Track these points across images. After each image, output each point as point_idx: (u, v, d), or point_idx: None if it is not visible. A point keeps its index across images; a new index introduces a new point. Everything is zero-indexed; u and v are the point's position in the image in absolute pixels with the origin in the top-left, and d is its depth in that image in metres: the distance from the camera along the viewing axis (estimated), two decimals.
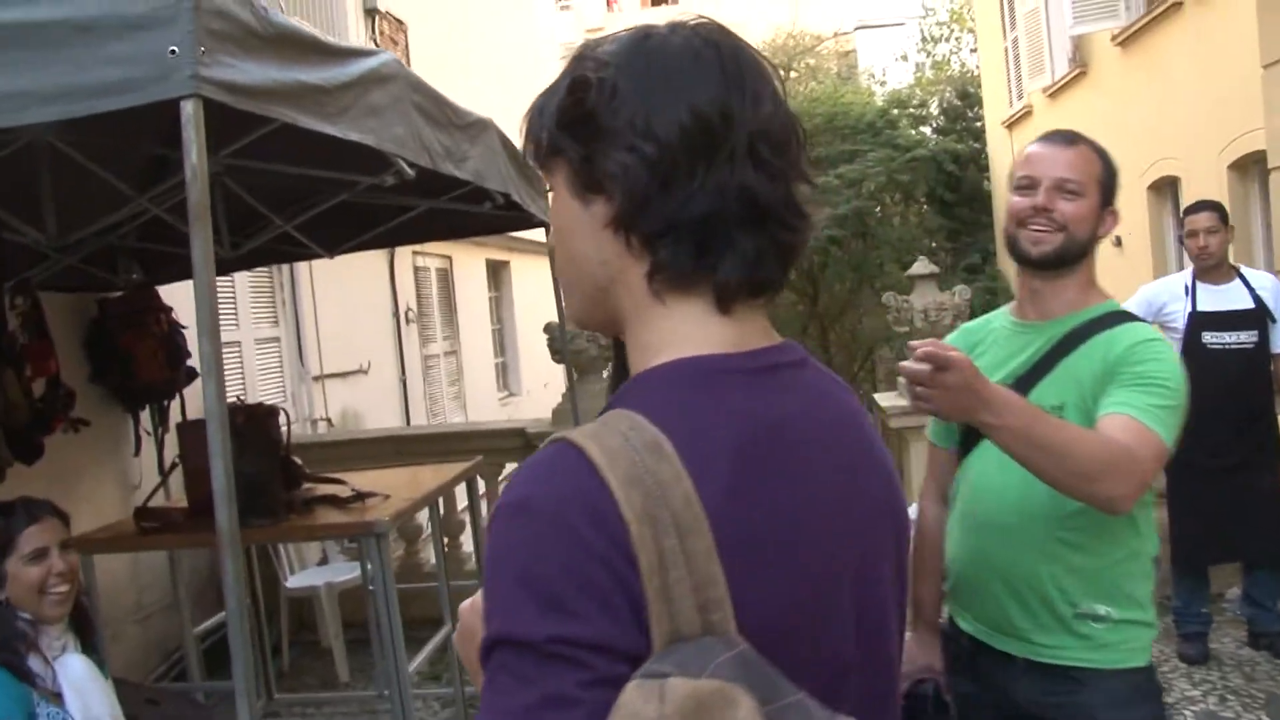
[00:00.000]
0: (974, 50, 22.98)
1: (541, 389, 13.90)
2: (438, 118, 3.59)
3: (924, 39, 23.31)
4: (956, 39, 23.19)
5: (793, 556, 0.91)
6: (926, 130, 20.72)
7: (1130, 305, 5.12)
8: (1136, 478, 1.86)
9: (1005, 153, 17.36)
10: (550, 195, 1.05)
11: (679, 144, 0.93)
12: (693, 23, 1.01)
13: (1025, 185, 2.16)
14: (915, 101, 21.12)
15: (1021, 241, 2.16)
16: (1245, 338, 4.69)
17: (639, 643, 0.81)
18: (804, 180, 1.01)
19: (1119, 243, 12.06)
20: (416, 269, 10.17)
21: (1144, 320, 2.23)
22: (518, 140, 1.15)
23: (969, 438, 2.19)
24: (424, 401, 9.97)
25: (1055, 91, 13.91)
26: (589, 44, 1.02)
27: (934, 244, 19.73)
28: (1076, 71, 13.06)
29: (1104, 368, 2.03)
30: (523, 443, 6.16)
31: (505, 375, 13.07)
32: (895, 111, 20.53)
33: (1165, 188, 10.96)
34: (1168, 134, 10.13)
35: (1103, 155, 2.18)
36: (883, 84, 22.67)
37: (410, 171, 3.33)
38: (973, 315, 16.75)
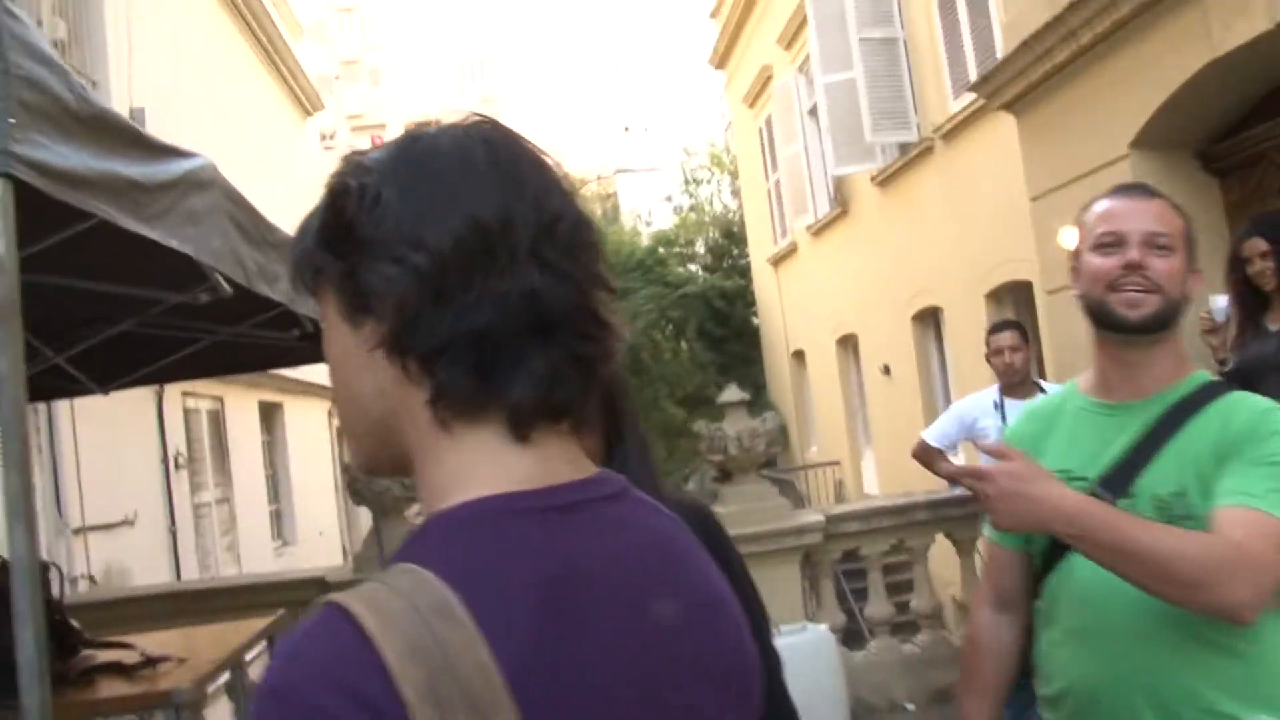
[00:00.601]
0: (735, 192, 24.18)
1: (317, 537, 13.13)
2: (251, 232, 3.25)
3: (686, 181, 24.32)
4: (717, 181, 24.31)
5: None
6: (695, 268, 21.45)
7: (942, 422, 5.24)
8: (1256, 578, 1.61)
9: (771, 289, 18.13)
10: (324, 327, 0.93)
11: (451, 253, 0.84)
12: (466, 122, 0.91)
13: (1110, 243, 1.87)
14: (682, 241, 21.88)
15: (1115, 307, 1.85)
16: None
17: None
18: (602, 285, 0.91)
19: (887, 370, 12.66)
20: (187, 410, 9.44)
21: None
22: None
23: (1055, 542, 1.87)
24: (195, 554, 9.13)
25: (819, 229, 14.65)
26: (354, 152, 0.93)
27: (706, 378, 20.22)
28: (838, 210, 13.80)
29: (1222, 443, 1.78)
30: (322, 592, 5.63)
31: (280, 523, 12.26)
32: (663, 250, 21.21)
33: (929, 317, 11.61)
34: (927, 267, 10.74)
35: (1182, 210, 1.96)
36: (649, 224, 23.42)
37: (228, 289, 2.98)
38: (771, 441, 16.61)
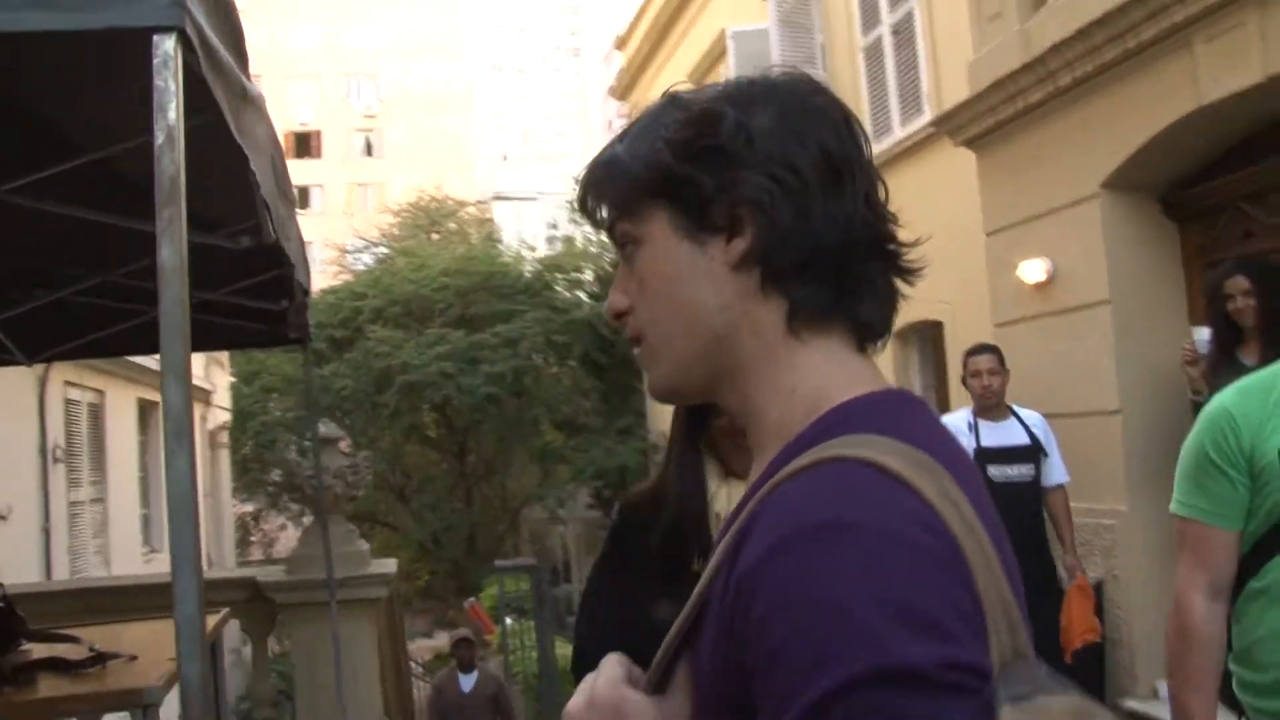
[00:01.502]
0: None
1: None
2: (280, 176, 2.99)
3: (574, 209, 24.28)
4: None
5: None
6: (582, 295, 21.35)
7: None
8: None
9: None
10: (636, 250, 0.96)
11: (813, 174, 0.90)
12: (789, 72, 0.98)
13: None
14: (570, 267, 21.78)
15: None
16: (1023, 471, 4.91)
17: (988, 665, 0.73)
18: (897, 225, 0.98)
19: None
20: (68, 400, 8.77)
21: None
22: None
23: None
24: (67, 555, 8.45)
25: None
26: (678, 92, 0.98)
27: (587, 405, 20.08)
28: None
29: None
30: (249, 595, 5.24)
31: (149, 529, 11.50)
32: (554, 275, 21.07)
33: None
34: None
35: None
36: (533, 250, 23.25)
37: (272, 233, 2.71)
38: (642, 469, 16.81)
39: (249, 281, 3.75)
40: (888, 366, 10.09)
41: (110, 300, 4.00)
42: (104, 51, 2.09)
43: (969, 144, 6.30)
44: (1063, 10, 5.42)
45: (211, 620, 4.15)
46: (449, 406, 18.50)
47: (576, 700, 0.90)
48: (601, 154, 1.00)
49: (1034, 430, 5.00)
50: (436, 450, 20.73)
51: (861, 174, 0.93)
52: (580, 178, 1.01)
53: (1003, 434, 4.98)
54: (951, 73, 8.63)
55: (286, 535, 20.36)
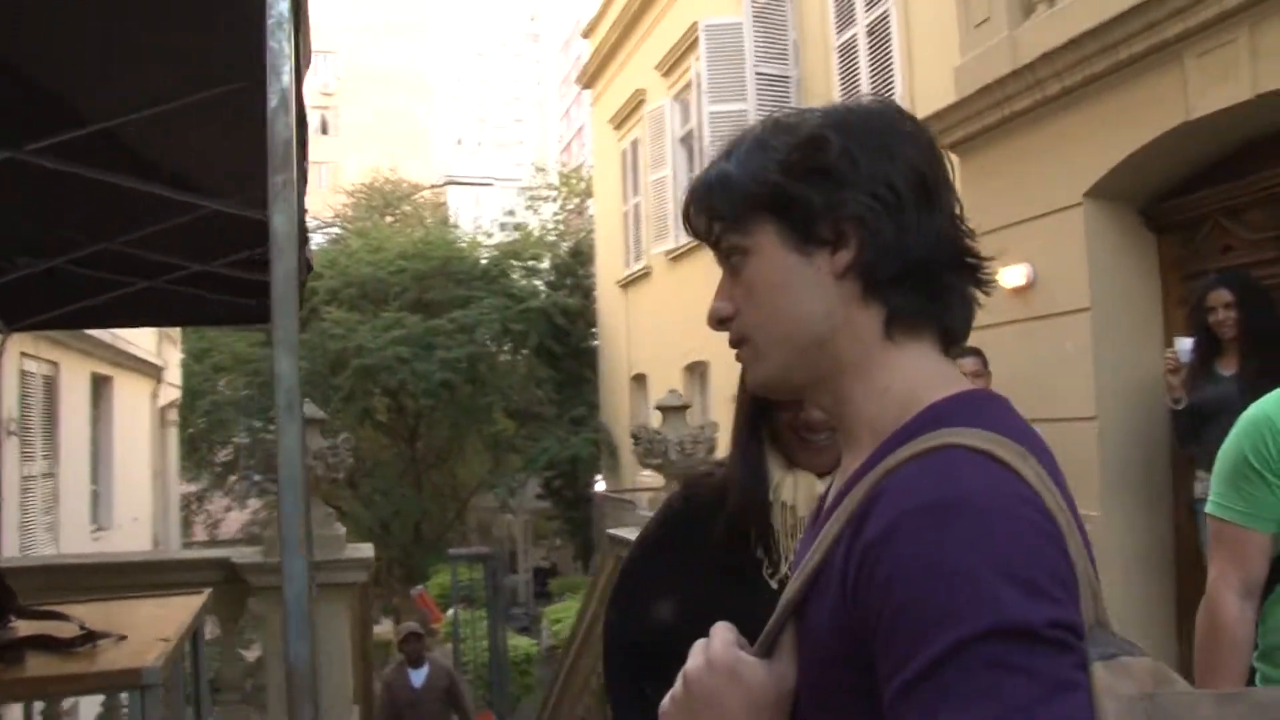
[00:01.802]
0: (576, 211, 24.14)
1: (132, 523, 12.17)
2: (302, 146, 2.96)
3: (532, 198, 24.20)
4: (565, 200, 24.26)
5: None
6: (539, 284, 21.27)
7: None
8: None
9: (618, 311, 18.13)
10: (743, 260, 1.06)
11: (908, 193, 1.01)
12: (877, 100, 1.10)
13: None
14: (527, 255, 21.68)
15: None
16: None
17: (1083, 625, 0.85)
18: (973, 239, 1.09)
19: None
20: (24, 372, 8.55)
21: None
22: None
23: None
24: (18, 531, 8.25)
25: (679, 255, 14.74)
26: (781, 117, 1.08)
27: (542, 394, 20.03)
28: None
29: None
30: (224, 576, 5.15)
31: (98, 506, 11.26)
32: (511, 262, 20.96)
33: None
34: None
35: None
36: (489, 235, 23.12)
37: (302, 205, 2.68)
38: (594, 460, 16.78)
39: (244, 254, 3.69)
40: None
41: (103, 271, 3.92)
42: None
43: (953, 148, 6.35)
44: (1053, 19, 5.49)
45: (195, 602, 4.09)
46: (403, 391, 18.35)
47: (694, 662, 0.99)
48: (709, 171, 1.09)
49: None
50: (388, 435, 20.55)
51: (948, 192, 1.06)
52: (687, 192, 1.12)
53: None
54: (926, 75, 8.72)
55: (233, 517, 20.07)
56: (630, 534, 5.89)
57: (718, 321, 1.09)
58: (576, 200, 24.45)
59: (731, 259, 1.07)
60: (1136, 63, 5.01)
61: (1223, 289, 4.63)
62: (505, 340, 19.74)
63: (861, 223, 1.00)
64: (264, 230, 3.68)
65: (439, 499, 21.59)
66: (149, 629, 3.57)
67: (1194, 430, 4.76)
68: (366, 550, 5.60)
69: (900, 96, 9.32)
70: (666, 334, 15.39)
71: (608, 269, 18.78)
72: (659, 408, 5.92)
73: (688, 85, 14.11)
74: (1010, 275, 5.91)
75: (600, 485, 19.04)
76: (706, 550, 1.81)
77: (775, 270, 1.04)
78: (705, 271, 12.31)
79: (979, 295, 1.08)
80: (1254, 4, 4.44)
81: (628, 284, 17.42)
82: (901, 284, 1.01)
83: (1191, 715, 0.85)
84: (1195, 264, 5.42)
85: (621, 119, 17.08)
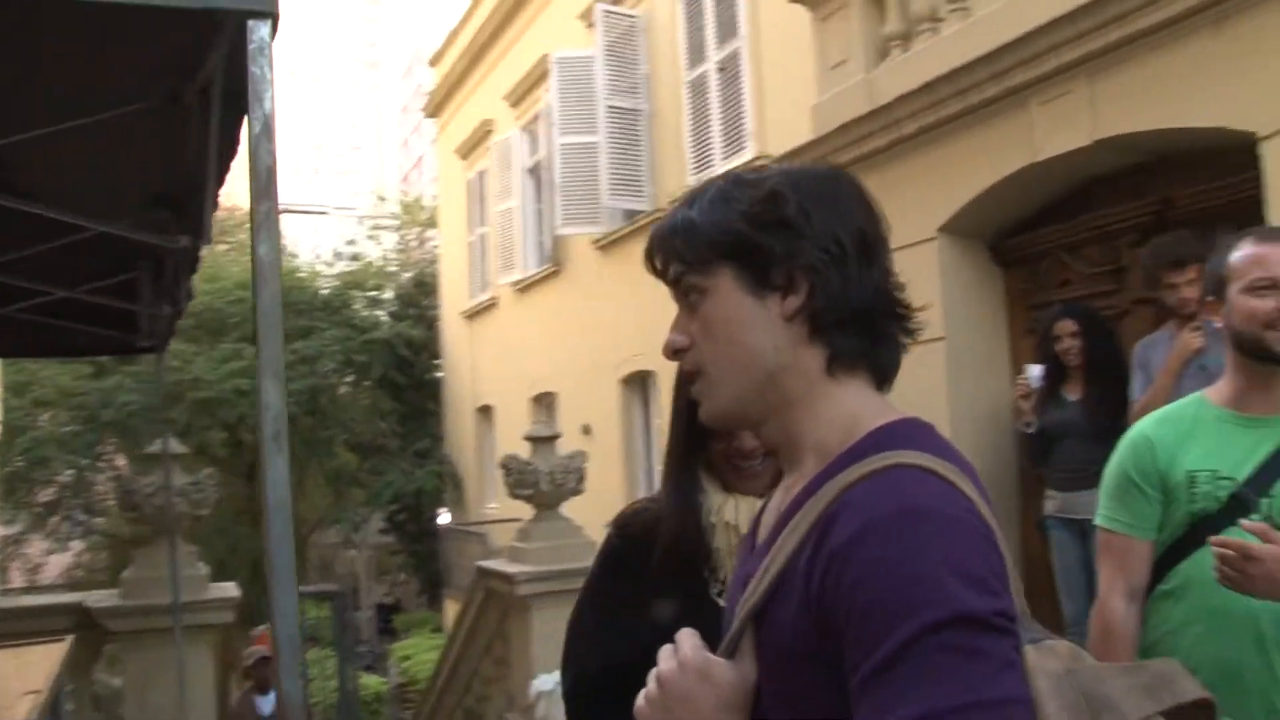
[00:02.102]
0: (419, 240, 23.82)
1: None
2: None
3: (374, 227, 23.75)
4: (406, 229, 23.92)
5: None
6: (381, 314, 20.88)
7: None
8: None
9: (462, 342, 17.97)
10: (701, 299, 1.18)
11: (852, 249, 1.14)
12: (829, 165, 1.27)
13: (1266, 286, 2.17)
14: (370, 285, 21.27)
15: (1272, 343, 2.16)
16: None
17: (1016, 615, 1.01)
18: (899, 289, 1.24)
19: (588, 430, 12.87)
20: None
21: None
22: None
23: (1193, 531, 2.13)
24: None
25: (527, 286, 14.74)
26: (741, 174, 1.21)
27: (385, 426, 19.63)
28: (551, 269, 13.95)
29: None
30: (75, 622, 4.87)
31: None
32: (352, 292, 20.53)
33: (637, 381, 11.95)
34: (642, 333, 11.03)
35: None
36: (330, 265, 22.57)
37: (209, 237, 2.60)
38: (438, 493, 16.37)
39: (110, 281, 3.55)
40: (614, 407, 10.45)
41: None
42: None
43: None
44: (907, 63, 5.79)
45: (57, 650, 3.87)
46: (241, 425, 17.69)
47: (667, 665, 1.11)
48: (674, 217, 1.21)
49: None
50: (225, 471, 19.73)
51: (885, 250, 1.20)
52: (651, 235, 1.23)
53: None
54: (777, 112, 9.01)
55: (54, 561, 18.90)
56: (503, 566, 5.88)
57: (673, 352, 1.21)
58: (418, 230, 24.12)
59: (690, 297, 1.19)
60: (987, 106, 5.33)
61: (1068, 319, 4.96)
62: (348, 371, 19.27)
63: (813, 271, 1.13)
64: (135, 254, 3.57)
65: None
66: (13, 682, 3.37)
67: (1044, 451, 5.07)
68: (230, 589, 5.40)
69: (751, 133, 9.61)
70: (513, 365, 15.34)
71: (452, 300, 18.61)
72: (528, 438, 5.92)
73: (537, 116, 14.18)
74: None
75: (445, 518, 18.77)
76: (652, 579, 1.86)
77: (731, 309, 1.16)
78: (555, 303, 12.38)
79: (904, 341, 1.22)
80: (1090, 58, 4.80)
81: (473, 315, 17.31)
82: (844, 328, 1.14)
83: (1105, 685, 1.03)
84: (1038, 296, 5.78)
85: (469, 149, 17.02)
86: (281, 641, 1.55)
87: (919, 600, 0.93)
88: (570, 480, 5.67)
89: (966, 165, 5.54)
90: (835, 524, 1.01)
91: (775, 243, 1.14)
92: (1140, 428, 2.33)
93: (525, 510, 6.05)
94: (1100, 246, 5.36)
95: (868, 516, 0.99)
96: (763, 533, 1.21)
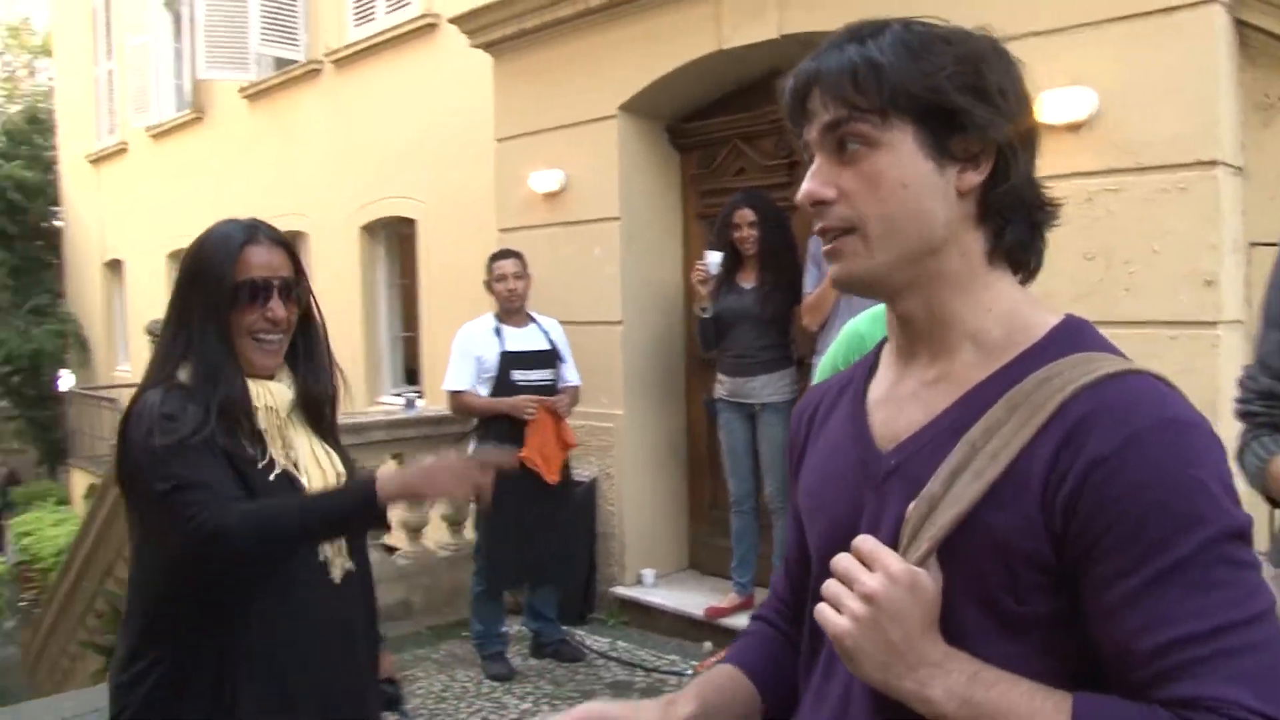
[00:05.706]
0: (30, 72, 21.10)
1: None
2: None
3: None
4: (12, 55, 21.01)
5: None
6: None
7: (457, 365, 5.09)
8: None
9: (88, 189, 16.19)
10: (867, 152, 1.07)
11: (1029, 133, 1.09)
12: (986, 33, 1.12)
13: None
14: None
15: None
16: (545, 375, 5.06)
17: None
18: None
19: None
20: None
21: None
22: None
23: None
24: None
25: (164, 132, 13.43)
26: (927, 27, 1.08)
27: None
28: (192, 115, 12.78)
29: None
30: None
31: None
32: None
33: (295, 240, 11.27)
34: (297, 190, 10.39)
35: None
36: None
37: None
38: (58, 355, 15.07)
39: None
40: (354, 259, 10.02)
41: None
42: None
43: (488, 47, 6.32)
44: None
45: None
46: None
47: (870, 582, 0.99)
48: (846, 56, 1.07)
49: (551, 335, 5.22)
50: None
51: (1038, 140, 1.12)
52: (809, 71, 1.11)
53: (525, 339, 5.13)
54: None
55: None
56: None
57: (813, 203, 1.10)
58: (29, 58, 21.29)
59: (848, 146, 1.07)
60: None
61: (746, 208, 5.07)
62: None
63: (999, 151, 1.06)
64: None
65: None
66: None
67: (717, 336, 5.21)
68: None
69: None
70: (148, 217, 14.02)
71: (74, 141, 16.65)
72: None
73: None
74: (541, 180, 6.06)
75: (69, 382, 17.11)
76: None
77: (907, 170, 1.06)
78: (198, 152, 11.29)
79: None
80: None
81: (100, 160, 15.60)
82: (1014, 215, 1.09)
83: None
84: (712, 182, 5.89)
85: None
86: None
87: (1199, 512, 0.94)
88: None
89: (653, 46, 5.48)
90: (1093, 431, 0.97)
91: (976, 112, 1.05)
92: (855, 323, 2.42)
93: None
94: (777, 139, 5.47)
95: (1135, 426, 0.96)
96: (900, 420, 1.12)
